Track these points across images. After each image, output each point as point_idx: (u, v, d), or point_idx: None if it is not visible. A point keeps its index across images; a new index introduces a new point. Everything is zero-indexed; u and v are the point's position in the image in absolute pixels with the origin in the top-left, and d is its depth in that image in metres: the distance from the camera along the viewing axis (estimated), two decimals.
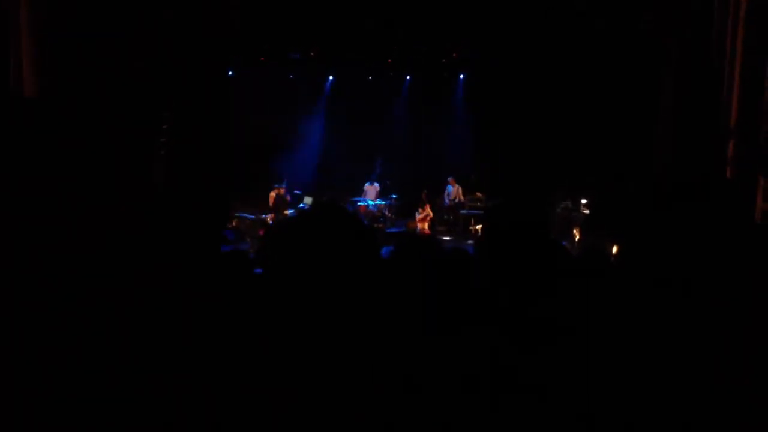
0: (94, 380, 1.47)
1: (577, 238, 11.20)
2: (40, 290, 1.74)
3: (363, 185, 15.32)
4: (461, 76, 16.56)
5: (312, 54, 14.80)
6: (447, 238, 14.04)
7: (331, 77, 16.48)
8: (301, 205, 13.88)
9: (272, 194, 13.82)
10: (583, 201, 12.50)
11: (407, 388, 1.38)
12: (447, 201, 15.34)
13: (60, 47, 6.15)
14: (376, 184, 15.30)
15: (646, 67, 9.71)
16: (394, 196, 15.20)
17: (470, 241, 12.60)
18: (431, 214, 14.20)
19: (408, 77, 16.69)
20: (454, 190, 15.35)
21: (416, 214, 14.18)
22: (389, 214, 14.92)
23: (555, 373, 1.60)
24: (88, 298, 1.71)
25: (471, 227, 14.43)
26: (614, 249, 5.36)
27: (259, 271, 1.84)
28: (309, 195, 14.46)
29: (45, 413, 1.43)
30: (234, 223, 12.92)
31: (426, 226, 13.95)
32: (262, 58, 14.68)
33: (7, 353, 1.53)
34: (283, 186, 13.93)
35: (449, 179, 15.34)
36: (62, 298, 1.70)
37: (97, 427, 1.42)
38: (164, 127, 10.02)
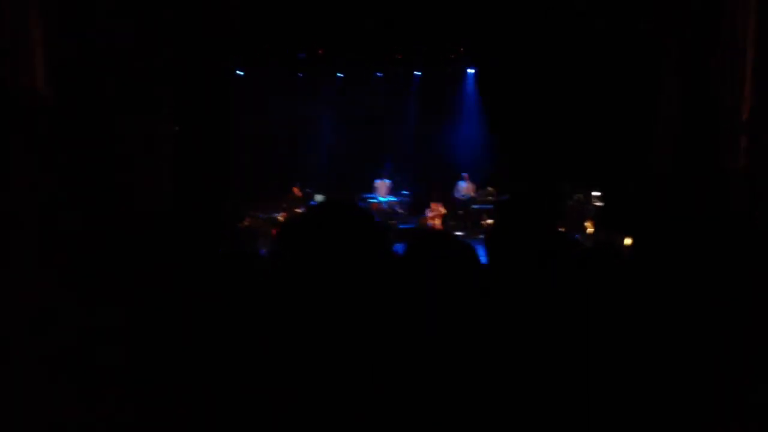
0: (96, 380, 1.48)
1: (590, 230, 11.16)
2: (44, 290, 1.75)
3: (374, 182, 15.35)
4: (470, 72, 16.52)
5: (320, 52, 14.82)
6: (458, 233, 14.01)
7: (339, 74, 16.47)
8: (311, 202, 13.91)
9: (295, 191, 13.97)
10: (595, 194, 12.44)
11: (416, 387, 1.38)
12: (459, 197, 15.32)
13: (66, 49, 6.20)
14: (387, 181, 15.30)
15: (648, 65, 9.69)
16: (405, 192, 15.20)
17: (482, 236, 12.57)
18: (443, 210, 14.18)
19: (417, 73, 16.66)
20: (466, 186, 15.31)
21: (427, 210, 14.18)
22: (401, 211, 14.91)
23: (564, 366, 1.60)
24: (92, 297, 1.72)
25: (482, 222, 14.41)
26: (627, 242, 5.34)
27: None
28: (320, 193, 14.49)
29: (45, 413, 1.44)
30: (246, 222, 12.97)
31: (438, 222, 13.93)
32: (271, 57, 14.71)
33: (8, 354, 1.54)
34: (296, 185, 14.02)
35: (464, 175, 15.29)
36: (66, 298, 1.71)
37: (98, 426, 1.43)
38: (174, 127, 10.07)
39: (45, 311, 1.59)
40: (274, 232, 12.62)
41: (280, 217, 13.31)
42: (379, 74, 16.51)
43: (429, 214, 14.09)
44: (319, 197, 14.23)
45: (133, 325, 1.58)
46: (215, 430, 1.32)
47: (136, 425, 1.39)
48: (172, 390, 1.40)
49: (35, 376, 1.47)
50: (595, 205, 12.30)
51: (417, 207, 15.10)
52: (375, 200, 14.78)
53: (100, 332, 1.56)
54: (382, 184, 15.27)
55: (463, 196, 15.26)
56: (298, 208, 13.48)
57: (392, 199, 14.97)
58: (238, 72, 15.24)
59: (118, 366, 1.48)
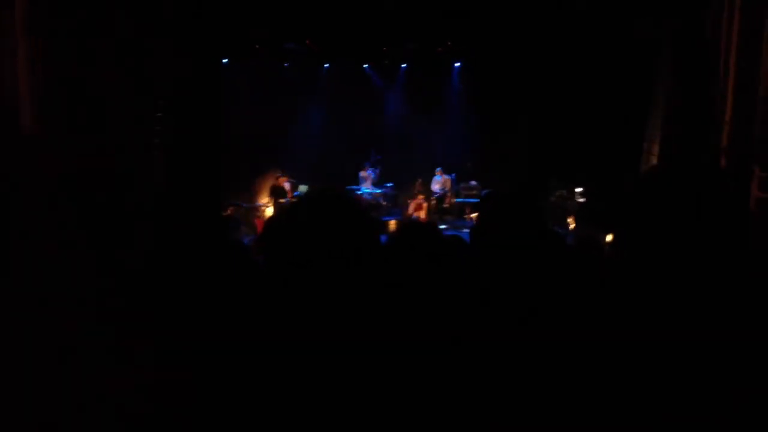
0: (99, 374, 1.48)
1: (572, 226, 11.23)
2: (42, 283, 1.75)
3: (358, 173, 15.37)
4: (456, 65, 16.53)
5: (307, 43, 14.75)
6: (443, 226, 14.06)
7: (326, 65, 16.40)
8: (296, 193, 13.89)
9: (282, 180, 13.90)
10: (578, 189, 12.52)
11: (403, 377, 1.39)
12: (437, 191, 15.42)
13: (53, 43, 6.15)
14: (371, 173, 15.32)
15: (639, 63, 9.76)
16: (389, 184, 15.23)
17: (466, 230, 12.63)
18: (425, 204, 14.23)
19: (403, 66, 16.63)
20: (441, 181, 15.41)
21: (409, 202, 14.22)
22: (384, 203, 14.95)
23: (548, 362, 1.62)
24: (91, 291, 1.72)
25: (466, 215, 14.47)
26: (608, 238, 5.39)
27: (257, 260, 1.85)
28: (304, 183, 14.46)
29: (47, 409, 1.44)
30: (229, 212, 12.94)
31: (422, 215, 13.96)
32: (257, 46, 14.61)
33: (11, 349, 1.54)
34: (281, 175, 13.99)
35: (438, 170, 15.40)
36: (62, 292, 1.71)
37: (102, 421, 1.42)
38: (159, 115, 10.00)
39: (42, 304, 1.59)
40: (257, 221, 12.60)
41: (264, 206, 13.28)
42: (365, 66, 16.47)
43: (412, 207, 14.12)
44: (303, 188, 14.20)
45: (132, 318, 1.57)
46: (208, 423, 1.33)
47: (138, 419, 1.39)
48: (172, 382, 1.40)
49: (35, 373, 1.46)
50: (578, 201, 12.37)
51: (401, 199, 15.15)
52: (359, 192, 14.80)
53: (102, 324, 1.56)
54: (367, 176, 15.29)
55: (440, 189, 15.38)
56: (282, 198, 13.45)
57: (376, 190, 15.00)
58: (223, 61, 15.15)
59: (119, 358, 1.47)
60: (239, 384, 1.32)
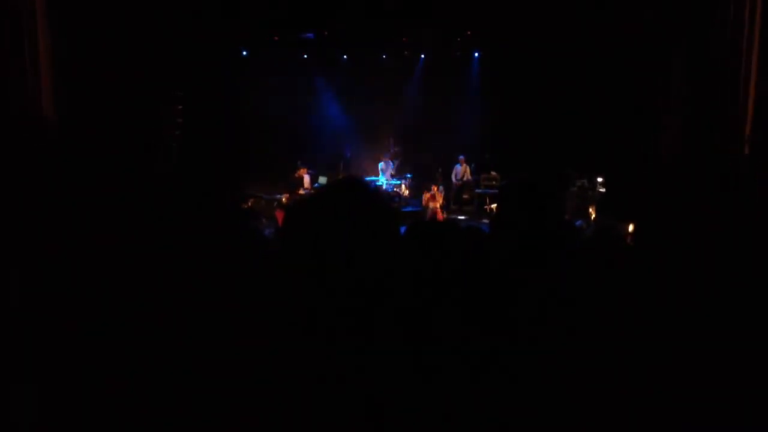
0: (105, 370, 1.49)
1: (593, 216, 11.14)
2: (54, 277, 1.77)
3: (378, 165, 15.37)
4: (476, 55, 16.41)
5: (325, 34, 14.73)
6: (461, 217, 14.02)
7: (344, 56, 16.36)
8: (315, 185, 13.92)
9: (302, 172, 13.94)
10: (600, 179, 12.41)
11: (422, 368, 1.39)
12: (455, 180, 15.37)
13: (75, 39, 6.21)
14: (390, 163, 15.31)
15: (656, 52, 9.64)
16: (408, 175, 15.21)
17: (485, 220, 12.58)
18: (440, 194, 14.14)
19: (422, 56, 16.54)
20: (462, 170, 15.35)
21: (424, 193, 14.16)
22: (404, 194, 14.92)
23: (564, 353, 1.61)
24: (99, 288, 1.73)
25: (486, 206, 14.40)
26: (629, 228, 5.33)
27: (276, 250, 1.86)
28: (323, 175, 14.49)
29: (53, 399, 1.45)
30: (249, 203, 12.98)
31: (438, 206, 13.88)
32: (276, 38, 14.61)
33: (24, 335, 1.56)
34: (301, 166, 14.04)
35: (460, 158, 15.35)
36: (72, 288, 1.72)
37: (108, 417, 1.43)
38: (179, 107, 10.07)
39: (56, 296, 1.60)
40: (278, 213, 12.65)
41: (284, 198, 13.33)
42: (384, 57, 16.40)
43: (426, 198, 13.98)
44: (322, 179, 14.22)
45: (148, 309, 1.58)
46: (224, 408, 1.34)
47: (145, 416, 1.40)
48: (184, 377, 1.40)
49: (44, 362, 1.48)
50: (600, 191, 12.27)
51: (420, 190, 15.13)
52: (378, 183, 14.79)
53: (110, 319, 1.57)
54: (386, 167, 15.28)
55: (459, 179, 15.34)
56: (302, 189, 13.49)
57: (396, 181, 14.98)
58: (242, 52, 15.18)
59: (130, 355, 1.48)
60: (251, 373, 1.32)
